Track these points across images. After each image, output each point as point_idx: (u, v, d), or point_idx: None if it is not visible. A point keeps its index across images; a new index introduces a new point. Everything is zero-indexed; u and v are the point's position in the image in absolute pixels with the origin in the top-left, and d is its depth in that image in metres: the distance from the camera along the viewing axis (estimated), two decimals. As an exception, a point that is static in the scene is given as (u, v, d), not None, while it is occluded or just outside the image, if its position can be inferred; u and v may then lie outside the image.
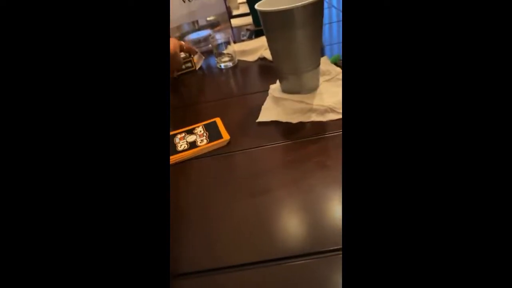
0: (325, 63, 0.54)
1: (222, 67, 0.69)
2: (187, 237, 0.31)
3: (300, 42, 0.42)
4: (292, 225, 0.30)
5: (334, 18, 0.88)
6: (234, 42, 0.76)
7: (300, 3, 0.39)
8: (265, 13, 0.42)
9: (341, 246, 0.27)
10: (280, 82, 0.50)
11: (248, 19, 0.96)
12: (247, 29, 0.87)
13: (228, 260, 0.28)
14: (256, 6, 0.43)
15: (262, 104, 0.50)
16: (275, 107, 0.48)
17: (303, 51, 0.43)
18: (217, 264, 0.28)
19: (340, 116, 0.43)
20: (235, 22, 0.97)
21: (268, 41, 0.46)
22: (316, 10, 0.41)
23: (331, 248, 0.27)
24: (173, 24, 0.79)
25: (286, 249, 0.28)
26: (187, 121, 0.50)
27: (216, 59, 0.70)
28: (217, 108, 0.53)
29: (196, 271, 0.28)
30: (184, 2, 0.76)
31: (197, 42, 0.82)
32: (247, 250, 0.28)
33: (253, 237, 0.30)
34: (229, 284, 0.26)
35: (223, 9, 0.81)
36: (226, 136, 0.44)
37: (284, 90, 0.50)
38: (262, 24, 0.44)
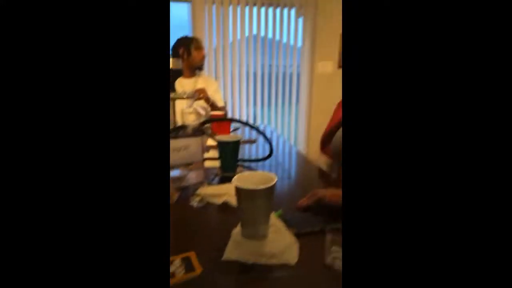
0: (273, 218, 0.77)
1: (195, 205, 0.88)
2: None
3: (258, 206, 0.64)
4: None
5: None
6: (207, 184, 0.97)
7: (262, 186, 0.63)
8: (237, 187, 0.64)
9: None
10: (242, 228, 0.70)
11: (217, 163, 1.22)
12: (216, 174, 1.11)
13: None
14: (233, 180, 0.66)
15: (227, 241, 0.67)
16: (236, 248, 0.65)
17: (260, 211, 0.65)
18: None
19: (282, 262, 0.61)
20: (205, 163, 1.22)
21: (237, 201, 0.67)
22: (271, 189, 0.65)
23: None
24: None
25: None
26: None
27: (190, 197, 0.89)
28: (190, 241, 0.68)
29: None
30: (173, 152, 0.99)
31: (175, 180, 1.02)
32: None
33: None
34: None
35: (201, 158, 1.07)
36: (199, 268, 0.58)
37: (243, 235, 0.69)
38: (235, 191, 0.67)
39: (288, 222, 0.75)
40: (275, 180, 0.65)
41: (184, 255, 0.63)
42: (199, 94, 2.13)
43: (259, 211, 0.65)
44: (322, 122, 1.41)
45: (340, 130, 1.28)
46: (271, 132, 2.18)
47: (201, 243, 0.68)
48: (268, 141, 1.18)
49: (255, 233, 0.67)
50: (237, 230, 0.72)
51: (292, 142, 3.37)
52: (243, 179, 0.69)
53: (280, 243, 0.67)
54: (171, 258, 0.61)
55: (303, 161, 1.47)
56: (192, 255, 0.63)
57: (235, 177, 0.68)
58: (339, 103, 1.38)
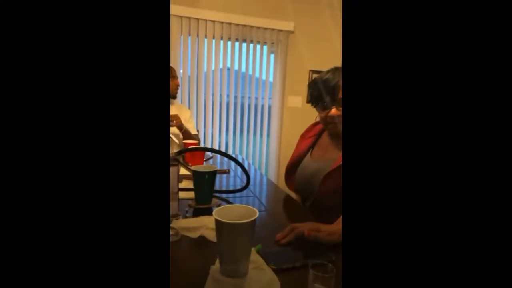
0: (252, 253, 0.75)
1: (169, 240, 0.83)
2: None
3: (240, 241, 0.63)
4: None
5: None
6: (183, 218, 0.93)
7: (243, 220, 0.62)
8: (217, 221, 0.63)
9: None
10: (220, 264, 0.67)
11: (190, 194, 1.18)
12: (189, 205, 1.08)
13: None
14: (214, 214, 0.64)
15: (205, 278, 0.63)
16: (215, 287, 0.62)
17: (242, 246, 0.63)
18: None
19: (263, 300, 0.59)
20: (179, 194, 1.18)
21: (218, 235, 0.65)
22: (252, 224, 0.64)
23: None
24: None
25: None
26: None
27: (164, 232, 0.84)
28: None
29: None
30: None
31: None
32: None
33: None
34: None
35: (176, 188, 1.03)
36: (176, 312, 0.54)
37: (222, 272, 0.66)
38: (215, 224, 0.65)
39: (268, 258, 0.73)
40: (257, 213, 0.65)
41: (159, 296, 0.58)
42: (172, 121, 2.10)
43: (241, 246, 0.63)
44: (291, 153, 1.45)
45: (301, 163, 1.32)
46: (243, 161, 2.19)
47: (177, 280, 0.64)
48: (246, 172, 1.17)
49: (235, 270, 0.64)
50: (215, 267, 0.68)
51: (263, 171, 3.39)
52: (223, 212, 0.68)
53: (261, 280, 0.65)
54: (144, 301, 0.56)
55: (276, 191, 1.47)
56: (168, 296, 0.59)
57: (215, 210, 0.66)
58: (301, 136, 1.44)
